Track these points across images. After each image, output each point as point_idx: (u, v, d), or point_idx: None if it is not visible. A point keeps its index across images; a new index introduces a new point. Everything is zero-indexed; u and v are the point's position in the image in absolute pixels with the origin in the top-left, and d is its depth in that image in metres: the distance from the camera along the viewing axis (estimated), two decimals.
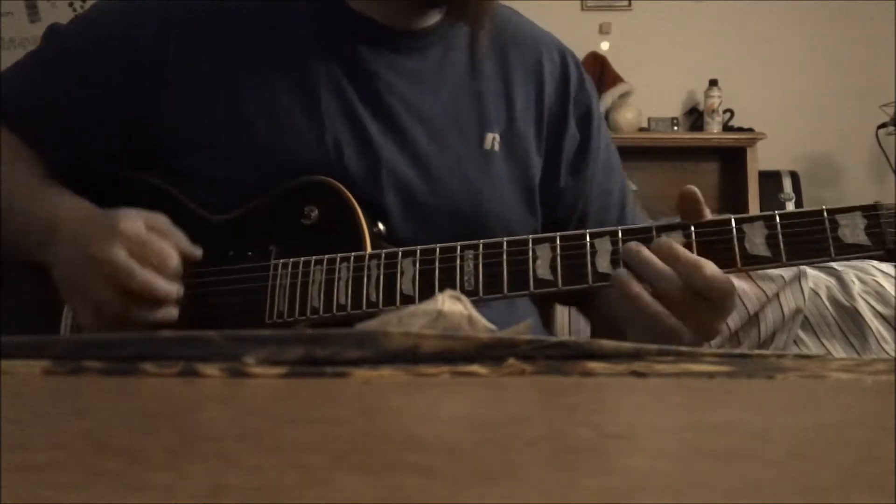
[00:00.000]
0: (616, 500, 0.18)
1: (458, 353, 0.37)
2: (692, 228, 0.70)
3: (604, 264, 0.70)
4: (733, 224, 0.69)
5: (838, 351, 1.36)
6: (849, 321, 1.37)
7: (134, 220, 0.75)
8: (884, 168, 3.30)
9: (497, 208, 0.87)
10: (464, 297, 0.41)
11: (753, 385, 0.35)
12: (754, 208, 3.14)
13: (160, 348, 0.37)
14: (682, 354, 0.40)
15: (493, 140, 0.87)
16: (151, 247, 0.74)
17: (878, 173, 3.39)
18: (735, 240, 0.68)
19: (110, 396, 0.32)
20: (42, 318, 0.83)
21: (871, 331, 1.36)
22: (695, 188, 0.71)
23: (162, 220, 0.78)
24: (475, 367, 0.36)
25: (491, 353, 0.37)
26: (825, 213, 0.67)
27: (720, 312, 0.69)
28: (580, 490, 0.18)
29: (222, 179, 0.83)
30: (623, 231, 0.71)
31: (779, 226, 0.68)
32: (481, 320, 0.40)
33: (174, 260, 0.75)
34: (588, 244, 0.71)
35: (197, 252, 0.78)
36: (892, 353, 1.33)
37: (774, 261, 0.68)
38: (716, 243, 0.69)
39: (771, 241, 0.68)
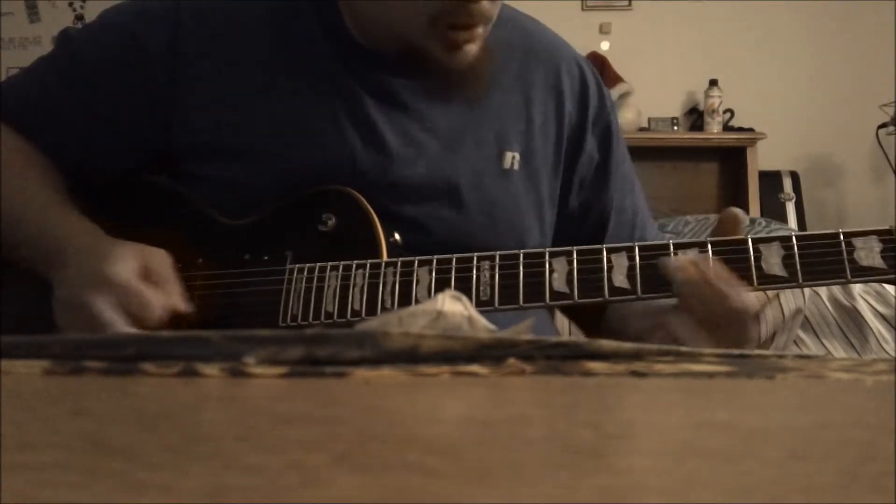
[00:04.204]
0: (616, 500, 0.18)
1: (458, 353, 0.37)
2: (709, 247, 0.71)
3: (619, 279, 0.71)
4: (750, 244, 0.70)
5: (838, 351, 1.36)
6: (849, 321, 1.37)
7: (125, 265, 0.74)
8: (884, 168, 3.30)
9: (512, 227, 0.86)
10: (464, 297, 0.41)
11: (753, 385, 0.35)
12: (754, 208, 3.14)
13: (160, 348, 0.37)
14: (682, 354, 0.40)
15: (512, 159, 0.86)
16: (135, 299, 0.73)
17: (878, 173, 3.39)
18: (752, 259, 0.69)
19: (110, 396, 0.32)
20: (43, 317, 0.83)
21: (872, 331, 1.36)
22: (739, 211, 0.73)
23: (160, 261, 0.77)
24: (475, 367, 0.36)
25: (491, 353, 0.37)
26: (841, 236, 0.68)
27: (747, 336, 0.69)
28: (580, 490, 0.18)
29: (234, 184, 0.82)
30: (640, 247, 0.72)
31: (795, 247, 0.69)
32: (481, 320, 0.40)
33: (155, 314, 0.74)
34: (605, 259, 0.72)
35: (187, 306, 0.76)
36: (893, 353, 1.33)
37: (791, 281, 0.69)
38: (732, 262, 0.70)
39: (787, 261, 0.69)
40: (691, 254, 0.71)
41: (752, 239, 0.70)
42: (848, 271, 0.67)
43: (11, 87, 0.91)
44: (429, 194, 0.83)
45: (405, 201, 0.82)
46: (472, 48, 0.80)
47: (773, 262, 0.69)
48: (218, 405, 0.31)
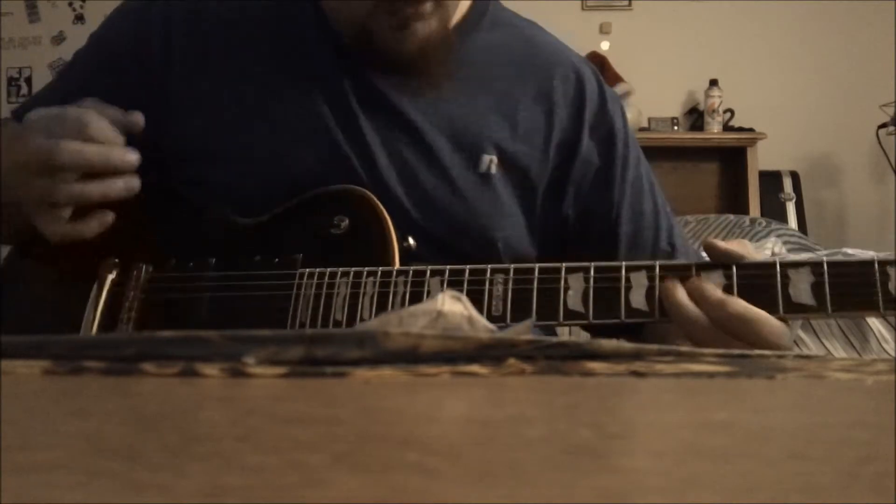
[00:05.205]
0: (616, 500, 0.17)
1: (458, 353, 0.37)
2: (734, 269, 0.66)
3: (638, 299, 0.67)
4: (778, 268, 0.65)
5: (838, 351, 1.36)
6: (849, 321, 1.37)
7: (38, 111, 0.72)
8: (884, 168, 3.30)
9: (500, 232, 0.84)
10: (464, 297, 0.41)
11: (753, 385, 0.35)
12: (754, 208, 3.14)
13: (160, 348, 0.37)
14: (682, 354, 0.40)
15: (489, 162, 0.84)
16: (66, 118, 0.70)
17: (878, 173, 3.40)
18: (779, 286, 0.65)
19: (110, 396, 0.32)
20: (43, 319, 0.83)
21: (872, 331, 1.36)
22: (710, 242, 0.69)
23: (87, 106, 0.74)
24: (475, 367, 0.36)
25: (491, 353, 0.37)
26: (876, 265, 0.63)
27: (762, 347, 0.64)
28: (580, 490, 0.18)
29: (228, 187, 0.82)
30: (661, 266, 0.68)
31: (826, 274, 0.64)
32: (481, 320, 0.40)
33: (94, 121, 0.71)
34: (623, 277, 0.68)
35: (136, 117, 0.73)
36: (893, 353, 1.33)
37: (819, 311, 0.64)
38: (758, 287, 0.65)
39: (817, 289, 0.64)
40: (713, 276, 0.67)
41: (781, 263, 0.65)
42: (881, 303, 0.62)
43: (30, 100, 0.93)
44: (408, 202, 0.81)
45: (387, 207, 0.81)
46: (422, 28, 0.78)
47: (801, 287, 0.64)
48: (218, 405, 0.31)
